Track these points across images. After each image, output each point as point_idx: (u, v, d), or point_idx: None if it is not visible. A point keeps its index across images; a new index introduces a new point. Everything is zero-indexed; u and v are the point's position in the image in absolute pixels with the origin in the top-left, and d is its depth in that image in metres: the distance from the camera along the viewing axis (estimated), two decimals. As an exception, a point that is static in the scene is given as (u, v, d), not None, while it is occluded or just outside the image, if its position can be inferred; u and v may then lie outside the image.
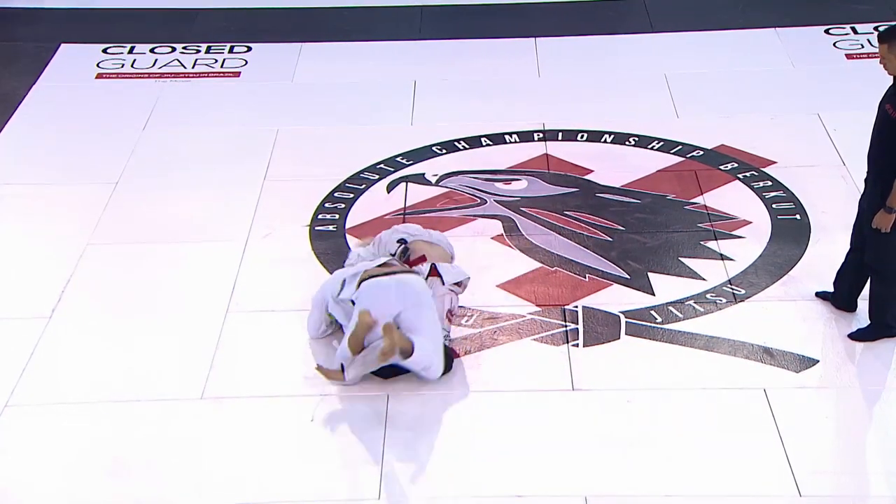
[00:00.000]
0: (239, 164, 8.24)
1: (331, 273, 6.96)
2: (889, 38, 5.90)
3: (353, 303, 6.16)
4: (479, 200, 7.78)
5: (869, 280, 6.38)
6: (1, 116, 8.94)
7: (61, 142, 8.64)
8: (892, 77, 5.99)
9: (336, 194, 7.88)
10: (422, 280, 6.26)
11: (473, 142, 8.51)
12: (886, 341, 6.35)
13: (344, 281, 6.35)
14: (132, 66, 9.74)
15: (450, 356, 6.20)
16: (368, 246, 6.81)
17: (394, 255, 6.55)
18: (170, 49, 10.00)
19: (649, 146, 8.40)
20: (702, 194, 7.78)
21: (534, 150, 8.40)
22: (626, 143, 8.48)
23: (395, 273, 6.20)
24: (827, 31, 10.00)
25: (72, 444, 5.83)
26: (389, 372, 6.15)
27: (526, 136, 8.57)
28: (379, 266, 6.32)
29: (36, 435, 5.91)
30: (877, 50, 6.08)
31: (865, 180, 6.23)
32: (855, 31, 9.99)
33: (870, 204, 6.15)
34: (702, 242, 7.29)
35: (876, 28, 9.61)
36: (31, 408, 6.08)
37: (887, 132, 5.99)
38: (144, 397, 6.11)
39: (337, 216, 7.64)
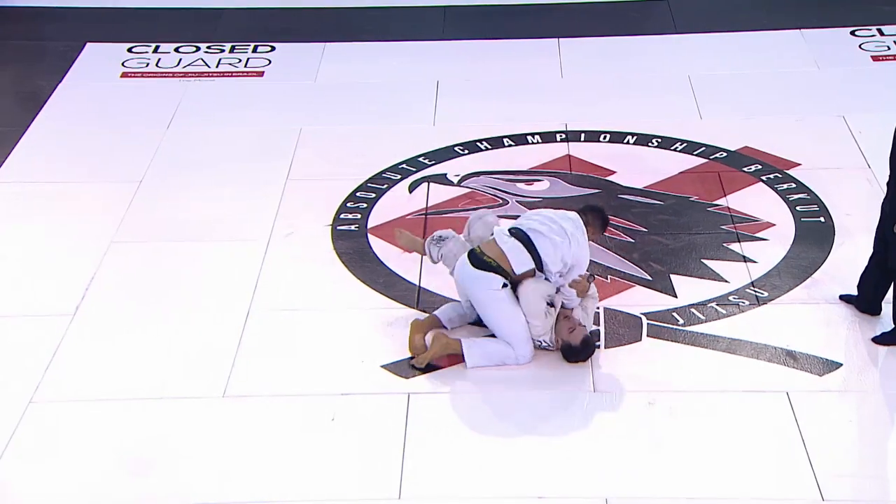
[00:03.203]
0: (262, 164, 8.26)
1: (351, 273, 7.02)
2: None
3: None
4: (500, 201, 7.77)
5: (893, 284, 6.34)
6: (27, 115, 8.99)
7: (86, 140, 8.68)
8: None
9: (358, 194, 7.89)
10: (493, 284, 6.21)
11: (496, 142, 8.51)
12: (910, 345, 6.33)
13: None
14: (157, 65, 9.78)
15: (587, 346, 6.27)
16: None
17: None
18: (194, 48, 10.04)
19: (672, 147, 8.38)
20: (725, 196, 7.75)
21: (556, 150, 8.39)
22: (649, 144, 8.46)
23: (482, 262, 6.24)
24: (852, 33, 9.95)
25: (94, 441, 5.86)
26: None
27: (548, 137, 8.55)
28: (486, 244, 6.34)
29: (59, 431, 5.94)
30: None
31: (888, 184, 6.19)
32: (881, 33, 9.93)
33: (892, 208, 6.11)
34: (724, 244, 7.26)
35: (902, 30, 9.57)
36: (55, 404, 6.11)
37: (911, 135, 5.96)
38: (167, 395, 6.13)
39: (359, 216, 7.65)
